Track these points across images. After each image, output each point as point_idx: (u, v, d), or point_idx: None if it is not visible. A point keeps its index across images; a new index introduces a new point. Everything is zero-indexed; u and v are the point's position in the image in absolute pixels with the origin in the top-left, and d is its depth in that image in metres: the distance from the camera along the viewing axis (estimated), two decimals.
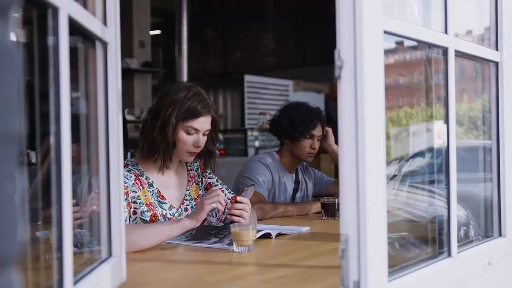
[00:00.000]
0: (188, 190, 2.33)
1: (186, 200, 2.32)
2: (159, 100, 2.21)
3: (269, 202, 2.87)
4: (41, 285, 1.12)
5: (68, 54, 1.03)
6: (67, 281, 1.01)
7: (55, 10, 1.00)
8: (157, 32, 9.99)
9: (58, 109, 1.01)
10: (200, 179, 2.40)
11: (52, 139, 1.01)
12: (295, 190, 3.11)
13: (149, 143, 2.19)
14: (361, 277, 1.16)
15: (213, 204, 1.99)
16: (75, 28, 1.12)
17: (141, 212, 2.13)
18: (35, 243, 1.37)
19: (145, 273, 1.65)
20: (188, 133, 2.18)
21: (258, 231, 2.03)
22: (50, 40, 1.02)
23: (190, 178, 2.36)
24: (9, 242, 0.54)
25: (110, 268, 1.31)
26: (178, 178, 2.33)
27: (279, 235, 2.17)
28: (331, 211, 2.62)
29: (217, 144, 2.42)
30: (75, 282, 1.09)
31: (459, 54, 1.56)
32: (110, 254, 1.36)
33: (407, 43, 1.56)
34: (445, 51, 1.51)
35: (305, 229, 2.33)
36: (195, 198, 2.34)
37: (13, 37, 0.56)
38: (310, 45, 8.97)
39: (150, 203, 2.17)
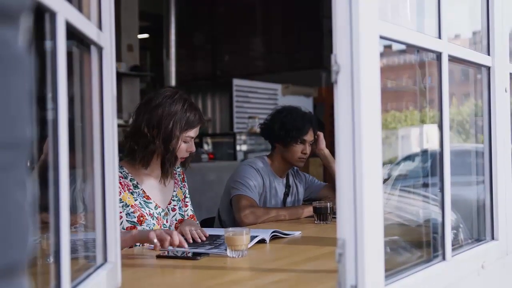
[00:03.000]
0: (175, 191, 2.41)
1: (174, 200, 2.39)
2: (154, 111, 2.23)
3: (260, 207, 2.86)
4: None
5: (65, 58, 1.03)
6: (65, 287, 1.00)
7: (53, 15, 0.99)
8: (145, 35, 9.97)
9: (55, 114, 1.00)
10: (183, 185, 2.50)
11: (49, 144, 1.01)
12: (286, 194, 3.11)
13: (150, 154, 2.24)
14: (359, 281, 1.16)
15: (155, 240, 1.88)
16: (71, 33, 1.11)
17: (127, 214, 2.18)
18: None
19: (140, 278, 1.64)
20: (185, 142, 2.28)
21: (252, 237, 2.03)
22: (47, 44, 1.01)
23: (176, 180, 2.44)
24: (21, 249, 0.54)
25: (106, 274, 1.30)
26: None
27: (274, 238, 2.17)
28: (323, 215, 2.62)
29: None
30: None
31: (452, 58, 1.57)
32: (105, 259, 1.36)
33: (396, 47, 1.57)
34: (438, 55, 1.52)
35: (297, 233, 2.33)
36: (181, 200, 2.43)
37: (23, 43, 0.56)
38: (299, 49, 9.00)
39: (135, 204, 2.22)
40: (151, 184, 2.32)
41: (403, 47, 1.58)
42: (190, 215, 2.45)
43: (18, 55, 0.54)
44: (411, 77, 1.97)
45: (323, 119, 7.48)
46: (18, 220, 0.53)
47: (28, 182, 0.56)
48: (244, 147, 7.51)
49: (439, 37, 1.51)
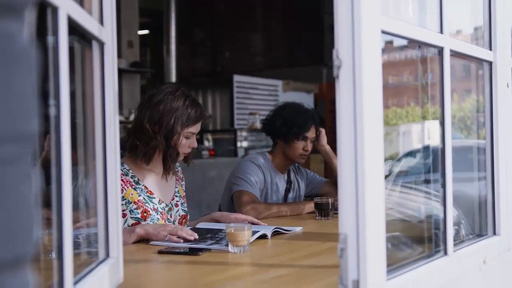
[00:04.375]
0: (177, 187, 2.43)
1: (176, 196, 2.41)
2: (156, 107, 2.24)
3: (262, 202, 2.86)
4: (40, 286, 1.11)
5: (67, 53, 1.02)
6: (67, 282, 1.01)
7: (55, 10, 0.99)
8: (146, 32, 9.96)
9: (58, 110, 1.00)
10: (183, 183, 2.52)
11: (51, 140, 1.01)
12: (287, 190, 3.11)
13: (152, 150, 2.26)
14: (360, 276, 1.16)
15: (167, 237, 2.02)
16: (72, 28, 1.11)
17: (130, 211, 2.19)
18: None
19: (142, 274, 1.64)
20: (186, 138, 2.29)
21: (254, 232, 2.03)
22: (49, 39, 1.01)
23: (177, 177, 2.47)
24: (26, 242, 0.54)
25: (108, 269, 1.30)
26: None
27: (275, 234, 2.17)
28: (324, 211, 2.62)
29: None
30: (75, 283, 1.08)
31: (454, 53, 1.57)
32: (107, 255, 1.36)
33: (397, 42, 1.57)
34: (440, 50, 1.52)
35: (298, 229, 2.33)
36: (183, 196, 2.46)
37: (28, 36, 0.56)
38: (300, 45, 8.98)
39: (138, 200, 2.24)
40: (153, 180, 2.33)
41: (404, 42, 1.58)
42: (182, 214, 2.45)
43: (23, 49, 0.54)
44: (412, 73, 1.97)
45: (323, 115, 7.48)
46: (24, 213, 0.53)
47: (33, 175, 0.56)
48: (245, 144, 7.51)
49: (441, 32, 1.51)
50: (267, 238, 2.10)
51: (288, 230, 2.26)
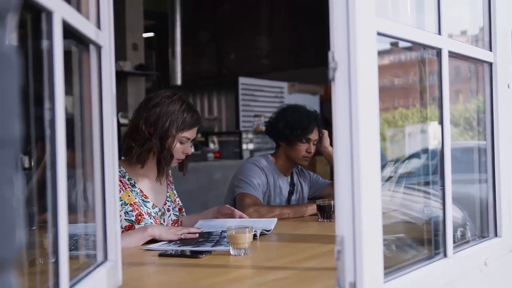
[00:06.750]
0: (168, 192, 2.46)
1: (168, 201, 2.43)
2: (152, 110, 2.26)
3: (264, 205, 2.86)
4: None
5: (62, 58, 1.03)
6: (63, 285, 1.01)
7: (49, 14, 1.00)
8: (150, 34, 9.97)
9: (53, 114, 1.00)
10: (173, 186, 2.53)
11: (47, 144, 1.01)
12: (291, 192, 3.10)
13: (146, 152, 2.27)
14: (357, 278, 1.16)
15: (183, 236, 2.13)
16: (69, 32, 1.12)
17: (125, 212, 2.21)
18: (31, 248, 1.36)
19: (141, 277, 1.64)
20: (181, 142, 2.30)
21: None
22: (44, 44, 1.02)
23: (169, 183, 2.49)
24: (8, 246, 0.54)
25: (106, 272, 1.31)
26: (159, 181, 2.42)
27: (261, 234, 2.20)
28: (326, 213, 2.62)
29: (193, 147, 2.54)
30: (71, 286, 1.08)
31: (452, 55, 1.56)
32: (105, 257, 1.36)
33: (402, 44, 1.56)
34: (438, 52, 1.52)
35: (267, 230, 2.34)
36: (173, 201, 2.47)
37: (11, 41, 0.56)
38: (305, 46, 8.97)
39: (134, 202, 2.26)
40: (147, 184, 2.35)
41: (409, 44, 1.57)
42: (174, 219, 2.45)
43: (5, 54, 0.55)
44: (417, 74, 1.96)
45: (329, 117, 7.46)
46: (6, 217, 0.54)
47: (17, 178, 0.56)
48: (250, 146, 7.51)
49: (439, 33, 1.51)
50: (256, 239, 2.11)
51: (268, 230, 2.28)
